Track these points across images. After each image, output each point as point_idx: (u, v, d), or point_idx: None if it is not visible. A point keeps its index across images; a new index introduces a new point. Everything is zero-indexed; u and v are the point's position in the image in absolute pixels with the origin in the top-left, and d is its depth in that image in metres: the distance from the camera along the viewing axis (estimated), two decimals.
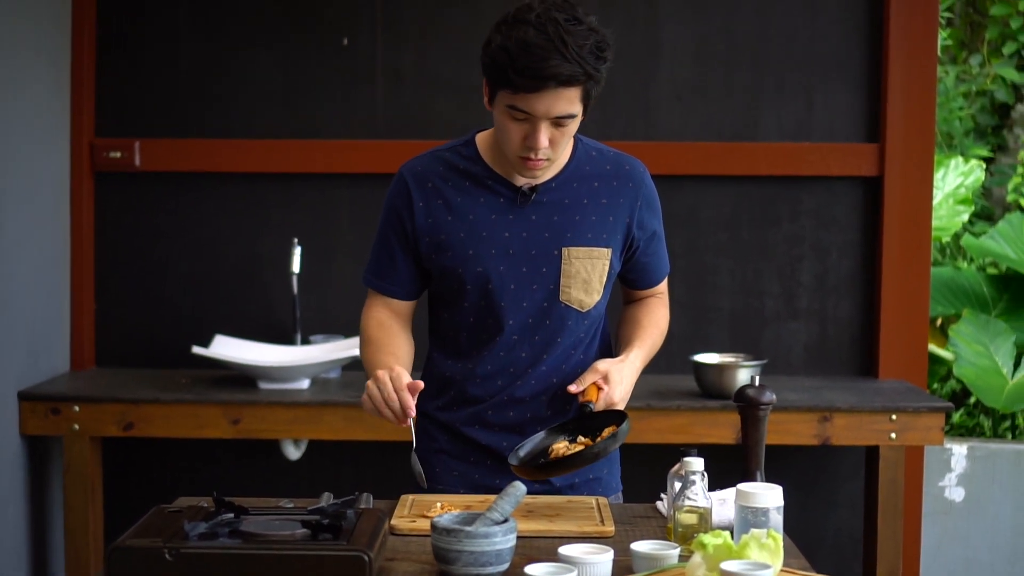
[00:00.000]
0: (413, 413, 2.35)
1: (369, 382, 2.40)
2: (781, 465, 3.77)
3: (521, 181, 2.52)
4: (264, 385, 4.07)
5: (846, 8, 4.39)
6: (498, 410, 2.55)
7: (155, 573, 1.90)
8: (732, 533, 2.13)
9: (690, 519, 2.19)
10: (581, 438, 2.41)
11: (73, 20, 4.33)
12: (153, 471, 4.46)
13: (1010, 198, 6.93)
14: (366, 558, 1.91)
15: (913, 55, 4.33)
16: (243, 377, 4.15)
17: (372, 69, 4.41)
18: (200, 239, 4.45)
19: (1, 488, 3.89)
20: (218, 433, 3.98)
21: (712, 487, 2.32)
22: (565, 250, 2.52)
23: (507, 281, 2.51)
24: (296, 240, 4.32)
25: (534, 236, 2.51)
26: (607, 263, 2.54)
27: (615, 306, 2.69)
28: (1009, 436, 5.46)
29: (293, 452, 4.25)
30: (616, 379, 2.46)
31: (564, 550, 2.01)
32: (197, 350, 4.08)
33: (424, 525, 2.25)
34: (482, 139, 2.56)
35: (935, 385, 5.55)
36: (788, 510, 2.21)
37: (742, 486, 2.14)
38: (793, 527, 2.47)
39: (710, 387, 4.00)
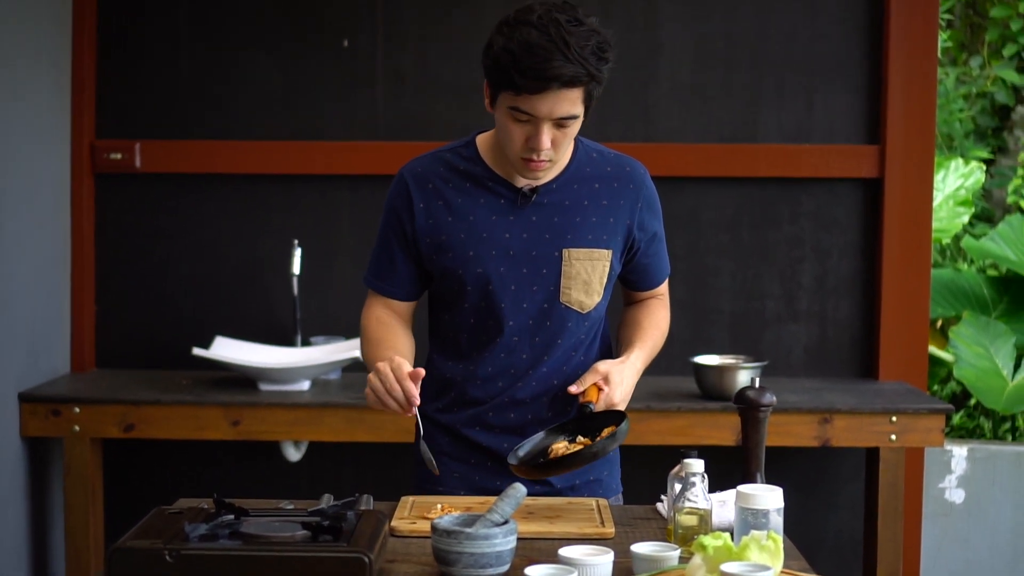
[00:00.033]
0: (417, 401, 2.35)
1: (370, 375, 2.40)
2: (781, 467, 3.77)
3: (522, 182, 2.52)
4: (264, 386, 4.07)
5: (846, 10, 4.39)
6: (499, 412, 2.55)
7: (155, 574, 1.90)
8: (732, 535, 2.13)
9: (690, 521, 2.19)
10: (580, 438, 2.42)
11: (74, 22, 4.34)
12: (153, 472, 4.46)
13: (1010, 200, 6.93)
14: (366, 560, 1.91)
15: (913, 57, 4.33)
16: (243, 378, 4.15)
17: (372, 71, 4.41)
18: (200, 240, 4.45)
19: (1, 490, 3.89)
20: (218, 434, 3.98)
21: (712, 489, 2.33)
22: (565, 251, 2.52)
23: (507, 282, 2.51)
24: (296, 241, 4.32)
25: (534, 237, 2.51)
26: (607, 264, 2.55)
27: (615, 308, 2.69)
28: (1009, 438, 5.46)
29: (293, 453, 4.25)
30: (616, 380, 2.46)
31: (564, 552, 2.01)
32: (197, 351, 4.08)
33: (424, 527, 2.25)
34: (483, 140, 2.56)
35: (935, 387, 5.55)
36: (788, 512, 2.21)
37: (742, 488, 2.14)
38: (793, 529, 2.47)
39: (710, 389, 4.00)
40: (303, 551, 1.93)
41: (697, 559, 1.91)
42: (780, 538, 1.96)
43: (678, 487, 2.24)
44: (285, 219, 4.43)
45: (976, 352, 5.03)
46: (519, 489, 2.12)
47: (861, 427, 3.96)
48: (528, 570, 1.92)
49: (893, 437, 3.96)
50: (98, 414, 3.97)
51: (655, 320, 2.68)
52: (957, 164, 6.08)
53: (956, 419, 5.55)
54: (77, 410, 3.98)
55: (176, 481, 4.44)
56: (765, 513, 2.09)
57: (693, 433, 3.92)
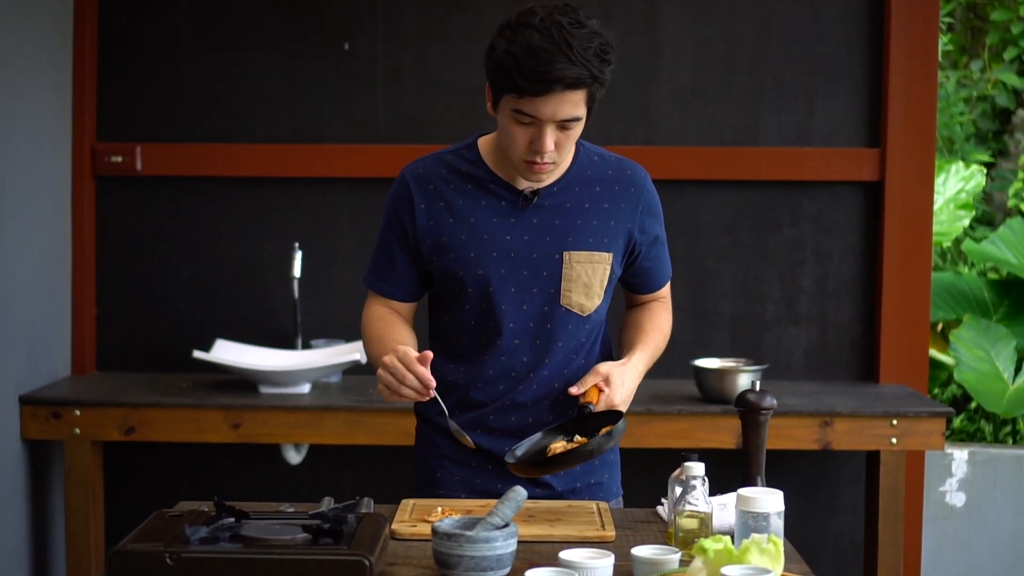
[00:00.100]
0: (432, 383, 2.36)
1: (379, 371, 2.40)
2: (782, 470, 3.77)
3: (523, 184, 2.52)
4: (265, 389, 4.07)
5: (847, 12, 4.39)
6: (500, 414, 2.55)
7: None
8: (733, 538, 2.13)
9: (691, 524, 2.19)
10: (578, 437, 2.42)
11: (75, 24, 4.34)
12: (154, 475, 4.46)
13: (1011, 203, 6.93)
14: (367, 563, 1.91)
15: (914, 60, 4.33)
16: (244, 381, 4.15)
17: (373, 73, 4.41)
18: (201, 243, 4.45)
19: (2, 492, 3.89)
20: (219, 437, 3.98)
21: (713, 492, 2.32)
22: (566, 254, 2.52)
23: (508, 284, 2.51)
24: (297, 244, 4.32)
25: (535, 240, 2.51)
26: (608, 267, 2.55)
27: (616, 312, 2.69)
28: (1010, 441, 5.46)
29: (294, 456, 4.25)
30: (617, 382, 2.46)
31: (565, 555, 2.01)
32: (198, 354, 4.08)
33: (425, 530, 2.25)
34: (484, 143, 2.57)
35: (936, 390, 5.55)
36: (789, 515, 2.21)
37: (743, 491, 2.14)
38: (794, 532, 2.47)
39: (711, 392, 4.00)
40: (304, 554, 1.93)
41: (698, 562, 1.91)
42: (781, 541, 1.96)
43: (679, 490, 2.24)
44: (285, 222, 4.43)
45: (977, 355, 5.03)
46: (520, 492, 2.12)
47: (862, 430, 3.96)
48: (529, 573, 1.92)
49: (894, 440, 3.96)
50: (98, 417, 3.97)
51: (657, 323, 2.68)
52: (958, 167, 6.08)
53: (957, 422, 5.55)
54: (78, 413, 3.98)
55: (176, 484, 4.44)
56: (766, 516, 2.09)
57: (694, 436, 3.92)
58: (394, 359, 2.37)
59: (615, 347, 2.70)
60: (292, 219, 4.43)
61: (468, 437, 2.44)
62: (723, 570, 1.85)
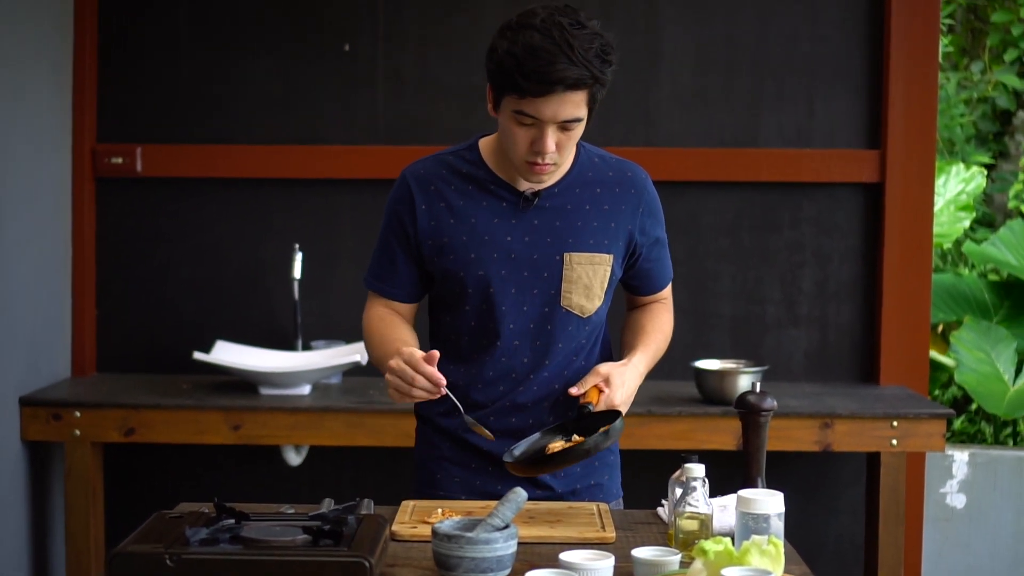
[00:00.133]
0: (443, 381, 2.36)
1: (387, 375, 2.40)
2: (782, 471, 3.77)
3: (524, 186, 2.52)
4: (265, 391, 4.07)
5: (847, 14, 4.39)
6: (500, 416, 2.55)
7: None
8: (733, 539, 2.13)
9: (691, 525, 2.19)
10: (576, 437, 2.42)
11: (75, 26, 4.34)
12: (154, 477, 4.46)
13: (1011, 205, 6.93)
14: (367, 564, 1.91)
15: (914, 61, 4.33)
16: (244, 383, 4.15)
17: (373, 74, 4.41)
18: (201, 245, 4.45)
19: (2, 494, 3.89)
20: (219, 439, 3.98)
21: (713, 493, 2.32)
22: (567, 255, 2.52)
23: (508, 285, 2.51)
24: (297, 246, 4.32)
25: (536, 241, 2.51)
26: (608, 269, 2.55)
27: (616, 314, 2.69)
28: (1010, 443, 5.46)
29: (294, 458, 4.25)
30: (617, 382, 2.46)
31: (565, 556, 2.01)
32: (198, 356, 4.08)
33: (425, 531, 2.25)
34: (485, 144, 2.57)
35: (936, 392, 5.55)
36: (789, 516, 2.21)
37: (743, 492, 2.14)
38: (794, 533, 2.47)
39: (711, 393, 4.00)
40: (304, 555, 1.93)
41: (698, 564, 1.91)
42: (781, 543, 1.96)
43: (679, 491, 2.24)
44: (286, 223, 4.43)
45: (977, 357, 5.03)
46: (520, 494, 2.12)
47: (862, 432, 3.95)
48: (529, 574, 1.92)
49: (894, 442, 3.96)
50: (99, 418, 3.97)
51: (658, 324, 2.68)
52: (958, 169, 6.08)
53: (957, 424, 5.55)
54: (78, 414, 3.98)
55: (177, 485, 4.44)
56: (766, 518, 2.09)
57: (694, 437, 3.92)
58: (400, 362, 2.36)
59: (616, 349, 2.70)
60: (292, 220, 4.43)
61: (486, 429, 2.44)
62: (723, 572, 1.85)
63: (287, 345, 4.34)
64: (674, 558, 2.05)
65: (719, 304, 4.44)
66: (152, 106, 4.44)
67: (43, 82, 4.18)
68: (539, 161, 2.42)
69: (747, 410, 2.33)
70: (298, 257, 4.29)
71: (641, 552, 2.06)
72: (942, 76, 7.08)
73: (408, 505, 2.46)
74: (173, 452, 4.39)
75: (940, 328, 5.64)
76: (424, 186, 2.54)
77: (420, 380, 2.35)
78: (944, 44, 7.28)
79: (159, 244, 4.46)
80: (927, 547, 4.45)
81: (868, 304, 4.44)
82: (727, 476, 2.76)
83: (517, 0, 2.62)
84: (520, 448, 2.44)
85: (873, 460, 4.09)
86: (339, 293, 4.41)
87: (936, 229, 5.54)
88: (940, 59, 5.03)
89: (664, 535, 2.33)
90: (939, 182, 5.94)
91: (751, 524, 2.09)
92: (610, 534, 2.29)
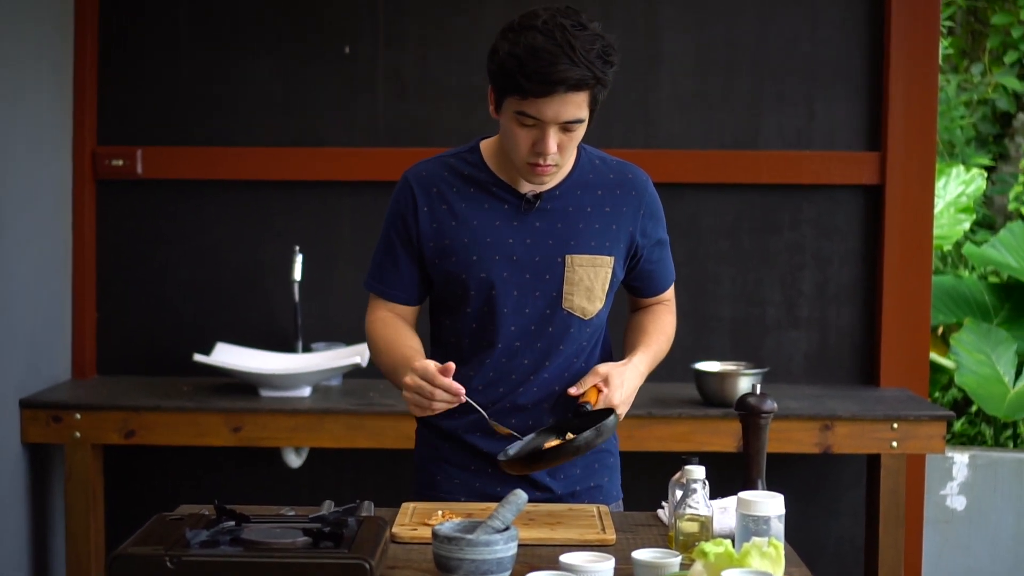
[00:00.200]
0: (462, 390, 2.37)
1: (404, 393, 2.41)
2: (782, 473, 3.77)
3: (525, 188, 2.52)
4: (265, 393, 4.07)
5: (847, 16, 4.39)
6: (500, 417, 2.54)
7: None
8: (733, 541, 2.13)
9: (691, 527, 2.19)
10: (570, 435, 2.42)
11: (75, 28, 4.34)
12: (154, 479, 4.46)
13: (1011, 207, 6.93)
14: (367, 566, 1.91)
15: (914, 63, 4.33)
16: (244, 385, 4.15)
17: (373, 76, 4.42)
18: (202, 247, 4.45)
19: (2, 496, 3.89)
20: (219, 441, 3.98)
21: (713, 495, 2.32)
22: (568, 257, 2.52)
23: (510, 287, 2.51)
24: (298, 248, 4.32)
25: (538, 243, 2.52)
26: (610, 271, 2.55)
27: (617, 316, 2.69)
28: (1011, 445, 5.46)
29: (294, 460, 4.25)
30: (616, 382, 2.46)
31: (565, 558, 2.01)
32: (198, 358, 4.08)
33: (425, 533, 2.25)
34: (486, 146, 2.57)
35: (936, 394, 5.55)
36: (789, 518, 2.21)
37: (743, 494, 2.14)
38: (794, 535, 2.47)
39: (711, 395, 4.00)
40: (304, 557, 1.93)
41: (698, 566, 1.91)
42: (781, 545, 1.96)
43: (679, 493, 2.24)
44: (286, 225, 4.43)
45: (977, 359, 5.03)
46: (520, 495, 2.12)
47: (862, 434, 3.95)
48: None
49: (894, 444, 3.96)
50: (99, 420, 3.97)
51: (660, 325, 2.68)
52: (958, 171, 6.08)
53: (957, 426, 5.55)
54: (78, 416, 3.98)
55: (177, 487, 4.44)
56: (766, 520, 2.09)
57: (694, 439, 3.92)
58: (416, 379, 2.38)
59: (617, 350, 2.70)
60: (293, 222, 4.43)
61: (504, 427, 2.45)
62: (724, 574, 1.85)
63: (287, 347, 4.34)
64: (674, 560, 2.05)
65: (719, 306, 4.44)
66: (152, 108, 4.44)
67: (43, 83, 4.18)
68: (541, 162, 2.42)
69: (747, 412, 2.33)
70: (298, 259, 4.29)
71: (641, 554, 2.06)
72: (942, 78, 7.08)
73: (408, 507, 2.46)
74: (173, 454, 4.38)
75: (940, 330, 5.65)
76: (426, 188, 2.55)
77: (439, 393, 2.37)
78: (944, 46, 7.29)
79: (159, 246, 4.46)
80: (927, 549, 4.45)
81: (868, 306, 4.43)
82: (727, 478, 2.76)
83: (518, 2, 2.62)
84: (515, 448, 2.44)
85: (873, 462, 4.08)
86: (339, 295, 4.41)
87: (936, 231, 5.54)
88: (940, 61, 5.03)
89: (664, 537, 2.33)
90: (939, 184, 5.94)
91: (751, 526, 2.09)
92: (610, 536, 2.29)
